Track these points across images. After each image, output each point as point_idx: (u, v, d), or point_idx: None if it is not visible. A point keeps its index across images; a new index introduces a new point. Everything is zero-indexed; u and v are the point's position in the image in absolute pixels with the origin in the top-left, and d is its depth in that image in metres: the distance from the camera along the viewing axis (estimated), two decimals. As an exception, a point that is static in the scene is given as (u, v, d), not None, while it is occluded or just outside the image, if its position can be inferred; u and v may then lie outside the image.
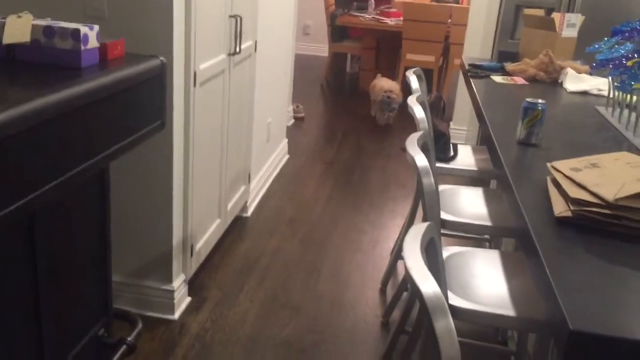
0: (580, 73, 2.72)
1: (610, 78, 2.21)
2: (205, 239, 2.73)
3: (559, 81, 2.72)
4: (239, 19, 2.72)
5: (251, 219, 3.40)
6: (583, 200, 1.30)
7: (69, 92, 1.37)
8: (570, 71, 2.70)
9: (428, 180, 1.56)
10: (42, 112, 1.27)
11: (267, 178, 3.86)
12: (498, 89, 2.59)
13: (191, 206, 2.48)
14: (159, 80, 1.79)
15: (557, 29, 2.91)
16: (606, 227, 1.27)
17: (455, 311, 1.48)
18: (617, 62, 2.07)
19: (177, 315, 2.48)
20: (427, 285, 0.97)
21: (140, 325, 2.07)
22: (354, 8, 6.86)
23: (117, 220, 2.34)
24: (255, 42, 3.14)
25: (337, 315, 2.59)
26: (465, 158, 2.53)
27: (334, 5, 6.77)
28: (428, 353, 1.66)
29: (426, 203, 1.58)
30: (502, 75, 2.81)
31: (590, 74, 2.74)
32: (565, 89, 2.62)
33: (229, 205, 3.03)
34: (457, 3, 6.62)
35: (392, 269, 2.84)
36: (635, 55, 2.00)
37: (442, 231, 2.03)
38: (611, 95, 2.23)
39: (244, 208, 3.39)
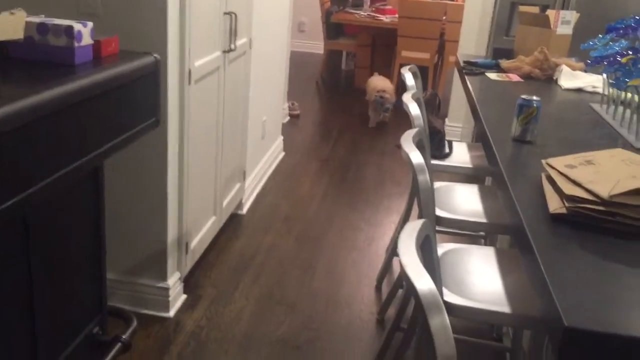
0: (575, 70, 2.73)
1: (604, 75, 2.21)
2: (201, 237, 2.73)
3: (554, 78, 2.72)
4: (233, 15, 2.72)
5: (246, 216, 3.40)
6: (578, 197, 1.30)
7: (62, 89, 1.36)
8: (565, 68, 2.70)
9: (423, 178, 1.57)
10: (35, 110, 1.26)
11: (263, 175, 3.85)
12: (493, 86, 2.59)
13: (186, 204, 2.47)
14: (153, 77, 1.79)
15: (552, 26, 2.91)
16: (601, 223, 1.27)
17: (450, 308, 1.48)
18: (611, 59, 2.07)
19: (172, 312, 2.47)
20: (423, 282, 0.97)
21: (135, 323, 2.07)
22: (349, 5, 6.86)
23: (112, 218, 2.33)
24: (250, 39, 3.13)
25: (332, 312, 2.59)
26: (461, 155, 2.53)
27: (329, 2, 6.76)
28: (423, 350, 1.66)
29: (421, 200, 1.58)
30: (497, 72, 2.81)
31: (585, 71, 2.75)
32: (560, 86, 2.63)
33: (224, 203, 3.02)
34: (452, 0, 6.62)
35: (387, 266, 2.84)
36: (630, 53, 2.00)
37: (438, 228, 2.03)
38: (606, 92, 2.23)
39: (239, 205, 3.38)
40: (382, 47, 6.52)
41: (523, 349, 2.16)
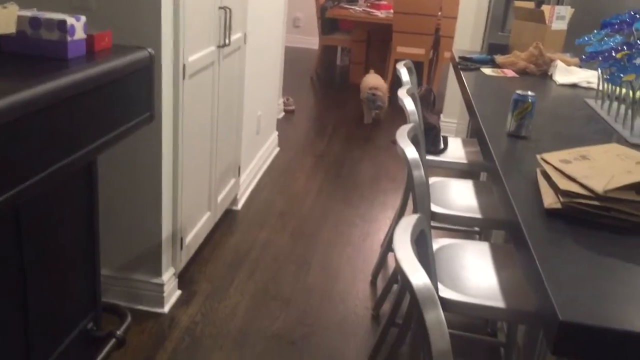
0: (569, 65, 2.73)
1: (599, 70, 2.22)
2: (195, 232, 2.72)
3: (549, 74, 2.73)
4: (228, 10, 2.71)
5: (241, 212, 3.39)
6: (572, 192, 1.30)
7: (55, 83, 1.35)
8: (560, 64, 2.71)
9: (418, 173, 1.56)
10: (28, 104, 1.25)
11: (257, 171, 3.85)
12: (488, 82, 2.59)
13: (181, 199, 2.47)
14: (147, 72, 1.78)
15: (547, 22, 2.92)
16: (595, 218, 1.27)
17: (445, 303, 1.48)
18: (606, 54, 2.07)
19: (166, 308, 2.47)
20: (418, 277, 0.97)
21: (129, 319, 2.06)
22: (344, 0, 6.85)
23: (106, 213, 2.33)
24: (245, 34, 3.12)
25: (327, 307, 2.59)
26: (456, 150, 2.53)
27: (324, -3, 6.75)
28: (418, 345, 1.66)
29: (416, 195, 1.58)
30: (492, 67, 2.81)
31: (580, 67, 2.75)
32: (555, 82, 2.63)
33: (219, 198, 3.01)
34: (448, -4, 6.61)
35: (382, 262, 2.84)
36: (625, 48, 2.00)
37: (432, 223, 2.03)
38: (601, 88, 2.23)
39: (234, 201, 3.38)
40: (377, 43, 6.51)
41: (517, 343, 2.17)
